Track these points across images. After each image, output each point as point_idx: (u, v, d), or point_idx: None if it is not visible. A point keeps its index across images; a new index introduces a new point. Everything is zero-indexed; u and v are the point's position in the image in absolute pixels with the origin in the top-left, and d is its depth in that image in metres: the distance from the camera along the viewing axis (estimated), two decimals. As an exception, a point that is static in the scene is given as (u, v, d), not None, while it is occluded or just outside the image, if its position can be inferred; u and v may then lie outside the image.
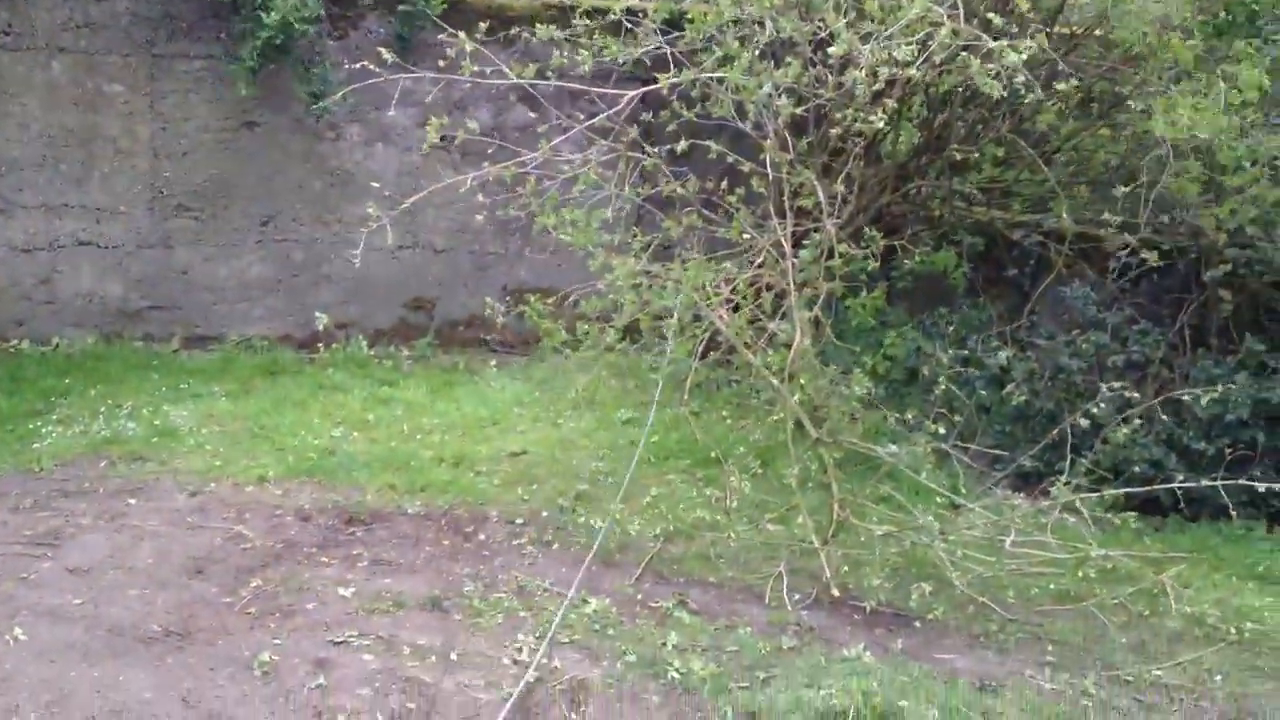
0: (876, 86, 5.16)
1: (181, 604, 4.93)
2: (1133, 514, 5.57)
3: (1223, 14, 6.93)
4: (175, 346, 8.44)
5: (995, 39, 4.95)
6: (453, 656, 4.56)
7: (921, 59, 5.04)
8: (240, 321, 8.61)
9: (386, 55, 5.69)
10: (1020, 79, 4.95)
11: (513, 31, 7.65)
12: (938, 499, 6.04)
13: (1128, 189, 6.57)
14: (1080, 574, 5.58)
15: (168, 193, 8.38)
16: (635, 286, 6.04)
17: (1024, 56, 4.86)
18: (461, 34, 5.66)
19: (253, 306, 8.62)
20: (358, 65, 5.85)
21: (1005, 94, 5.07)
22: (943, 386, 6.23)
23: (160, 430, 6.93)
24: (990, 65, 4.95)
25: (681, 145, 5.83)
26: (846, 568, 5.49)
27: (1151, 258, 6.48)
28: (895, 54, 5.05)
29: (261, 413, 7.30)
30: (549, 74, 5.65)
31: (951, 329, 7.79)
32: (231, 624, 4.79)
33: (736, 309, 5.74)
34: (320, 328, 7.53)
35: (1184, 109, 6.16)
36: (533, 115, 7.90)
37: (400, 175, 8.42)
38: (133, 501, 5.99)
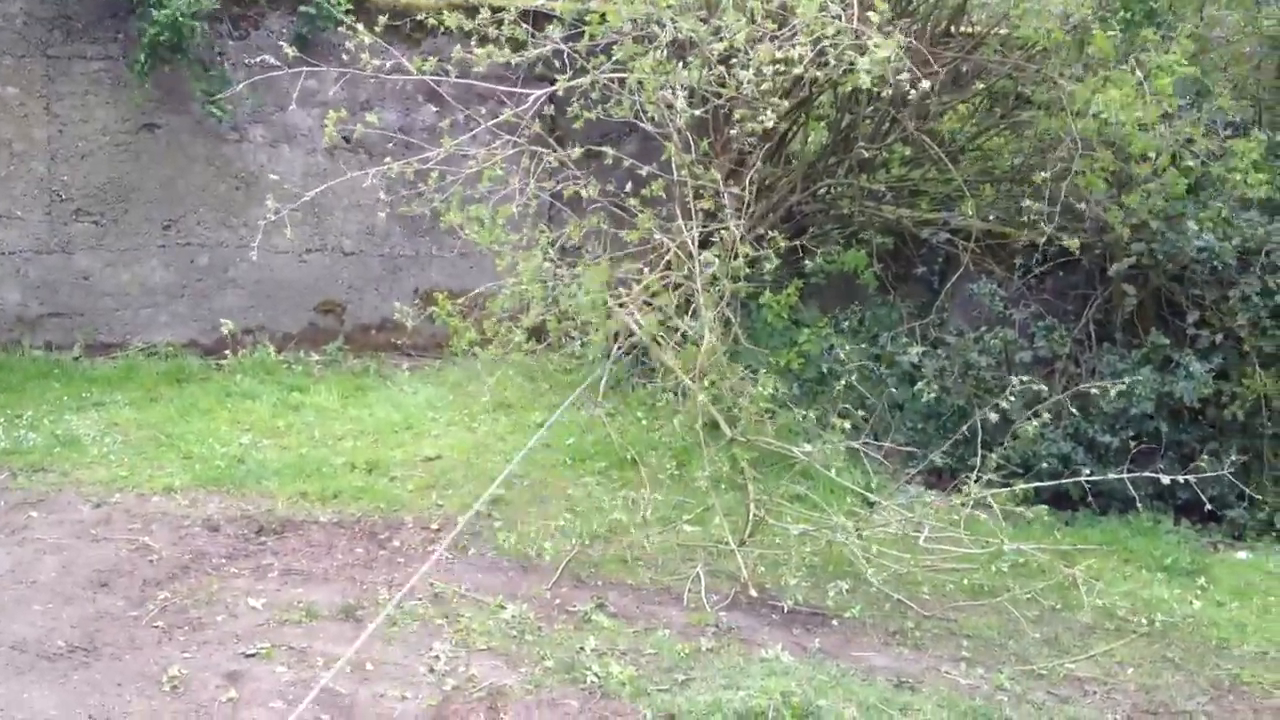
0: (765, 85, 5.18)
1: (86, 618, 4.79)
2: (1043, 508, 5.65)
3: (1122, 11, 7.05)
4: (76, 354, 8.21)
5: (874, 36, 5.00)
6: (368, 666, 4.49)
7: (810, 57, 5.07)
8: (144, 328, 8.41)
9: (289, 50, 5.60)
10: (904, 76, 5.00)
11: (420, 18, 7.50)
12: (852, 497, 6.08)
13: (1032, 186, 6.68)
14: (993, 569, 5.65)
15: (66, 197, 8.16)
16: (543, 285, 6.03)
17: (888, 53, 4.89)
18: (360, 26, 5.60)
19: (157, 312, 8.42)
20: (257, 60, 5.74)
21: (875, 88, 5.12)
22: (847, 384, 6.29)
23: (62, 440, 6.73)
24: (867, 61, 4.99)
25: (576, 151, 5.82)
26: (764, 568, 5.51)
27: (1073, 245, 6.61)
28: (789, 53, 5.09)
29: (167, 421, 7.14)
30: (450, 69, 5.60)
31: (863, 327, 7.86)
32: (139, 638, 4.67)
33: (649, 307, 5.74)
34: (226, 333, 7.45)
35: (1114, 92, 6.27)
36: (439, 114, 7.83)
37: (306, 176, 8.27)
38: (34, 514, 5.81)
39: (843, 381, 6.30)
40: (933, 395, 6.78)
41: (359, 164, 8.13)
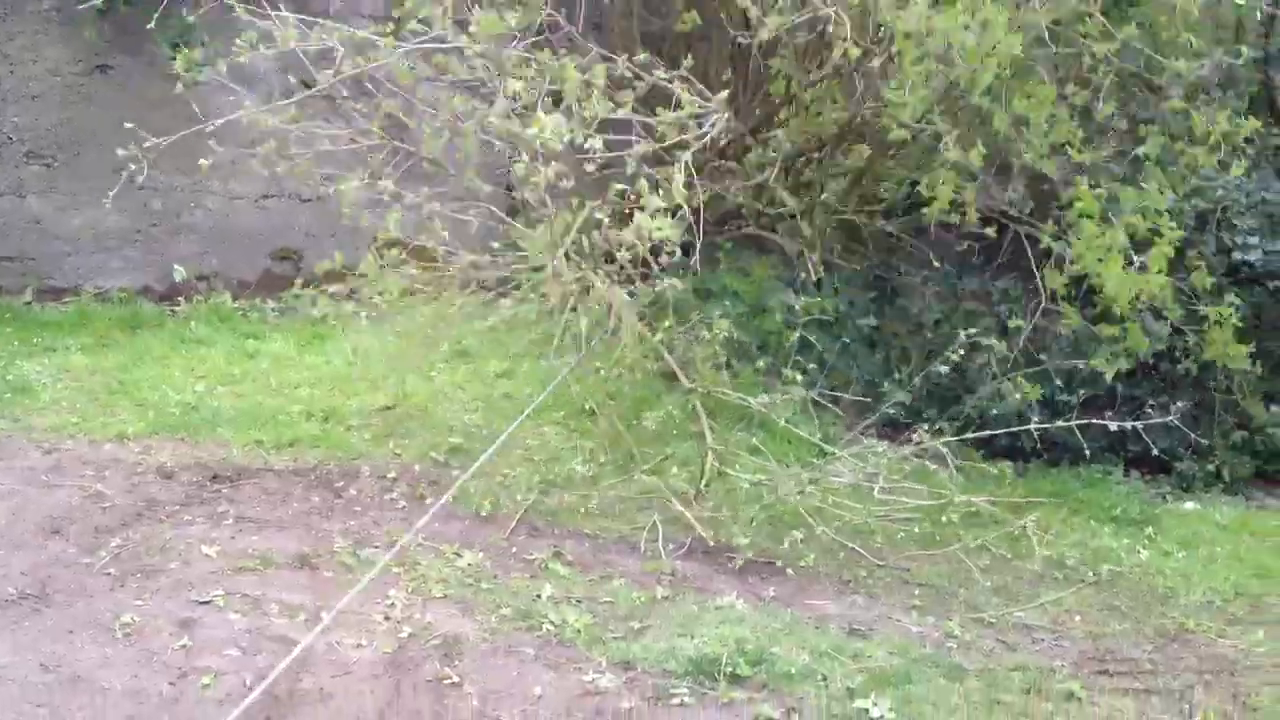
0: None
1: (38, 565, 4.75)
2: (998, 460, 5.72)
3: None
4: (28, 299, 8.11)
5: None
6: (322, 614, 4.48)
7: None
8: (97, 273, 8.31)
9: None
10: None
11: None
12: (807, 448, 6.12)
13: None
14: (944, 519, 5.69)
15: (16, 139, 8.03)
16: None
17: None
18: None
19: (110, 257, 8.32)
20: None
21: None
22: (803, 338, 6.31)
23: (13, 386, 6.66)
24: None
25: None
26: (719, 517, 5.53)
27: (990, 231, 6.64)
28: None
29: (120, 368, 7.07)
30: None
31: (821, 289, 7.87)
32: (91, 585, 4.64)
33: (610, 259, 5.72)
34: (179, 280, 7.38)
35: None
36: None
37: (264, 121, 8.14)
38: (-16, 460, 5.76)
39: (797, 334, 6.32)
40: (889, 349, 6.82)
41: (319, 109, 8.03)
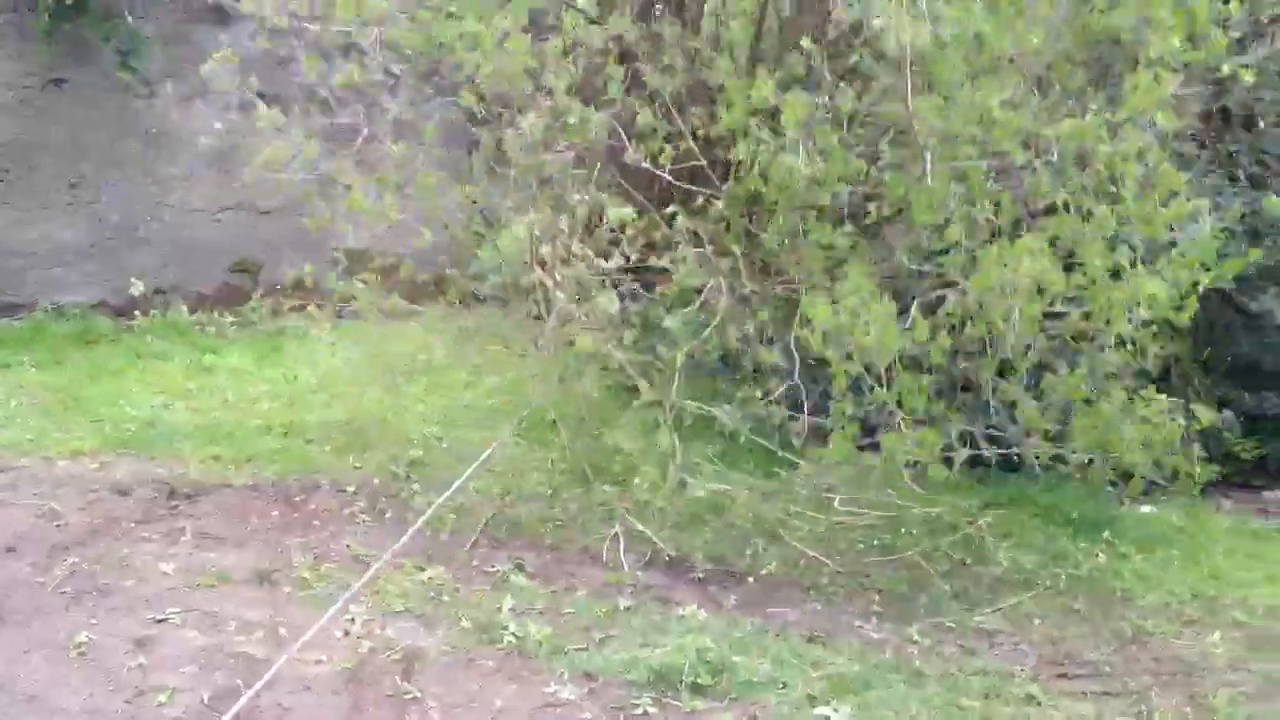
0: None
1: (-9, 585, 4.70)
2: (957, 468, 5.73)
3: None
4: (-21, 316, 8.03)
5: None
6: (282, 631, 4.45)
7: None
8: (52, 288, 8.23)
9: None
10: None
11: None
12: (769, 458, 6.11)
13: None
14: (902, 529, 5.72)
15: (-31, 153, 7.95)
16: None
17: None
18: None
19: (66, 272, 8.24)
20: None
21: None
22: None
23: (-35, 404, 6.60)
24: None
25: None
26: (681, 527, 5.53)
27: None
28: None
29: (75, 383, 7.01)
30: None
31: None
32: (45, 604, 4.58)
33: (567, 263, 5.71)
34: (135, 294, 7.30)
35: None
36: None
37: (220, 134, 8.11)
38: (-64, 480, 5.68)
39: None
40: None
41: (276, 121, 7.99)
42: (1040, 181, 4.81)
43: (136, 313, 8.14)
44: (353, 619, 4.55)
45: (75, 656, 4.21)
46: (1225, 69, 4.95)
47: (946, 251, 5.04)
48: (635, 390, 5.54)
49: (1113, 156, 4.63)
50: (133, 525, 5.33)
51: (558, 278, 5.72)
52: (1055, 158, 4.76)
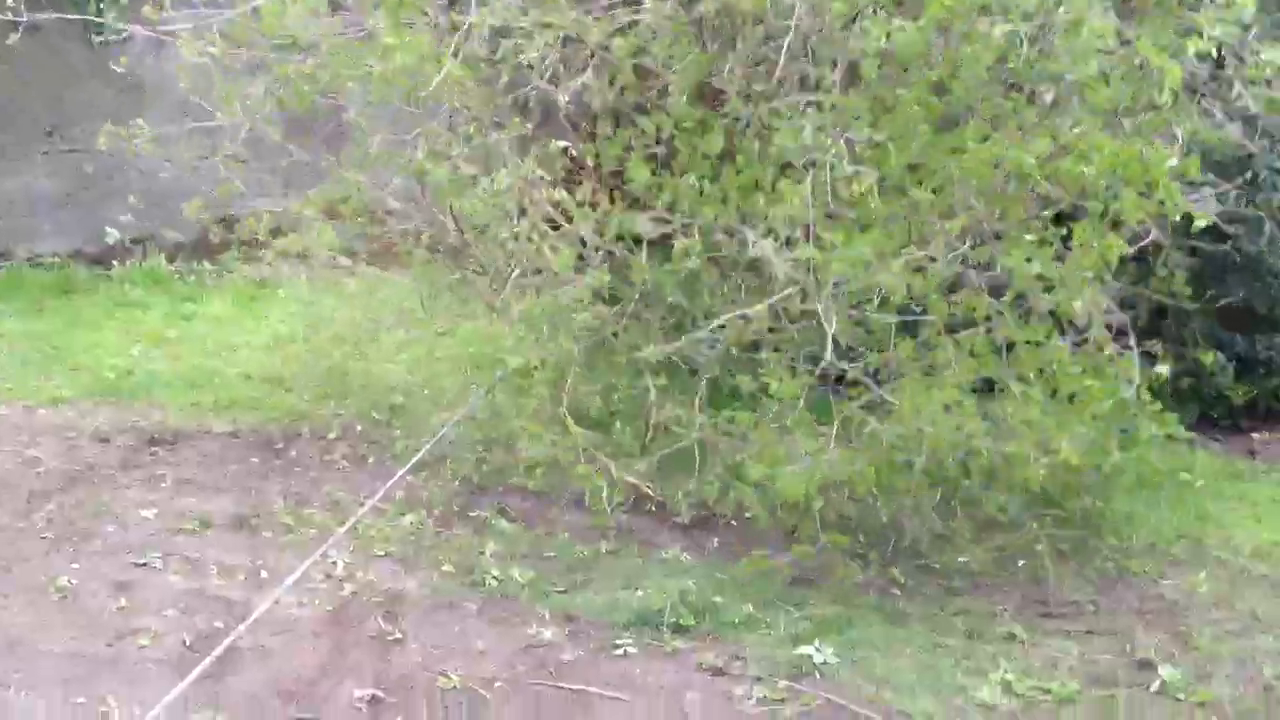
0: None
1: (-30, 533, 4.66)
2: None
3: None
4: (-44, 266, 7.95)
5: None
6: (263, 574, 4.43)
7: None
8: (29, 238, 8.15)
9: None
10: None
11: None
12: (755, 400, 6.08)
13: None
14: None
15: (-59, 103, 7.84)
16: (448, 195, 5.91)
17: None
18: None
19: (42, 222, 8.16)
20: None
21: None
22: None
23: (-57, 353, 6.54)
24: None
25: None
26: (664, 472, 5.49)
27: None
28: None
29: (54, 333, 6.96)
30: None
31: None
32: (26, 549, 4.55)
33: (556, 228, 5.65)
34: (111, 243, 7.25)
35: None
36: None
37: (194, 80, 7.99)
38: (-86, 428, 5.63)
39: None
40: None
41: (249, 67, 7.89)
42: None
43: (115, 262, 8.08)
44: (335, 563, 4.53)
45: (57, 600, 4.18)
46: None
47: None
48: (615, 337, 5.50)
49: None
50: (113, 472, 5.30)
51: (537, 226, 5.67)
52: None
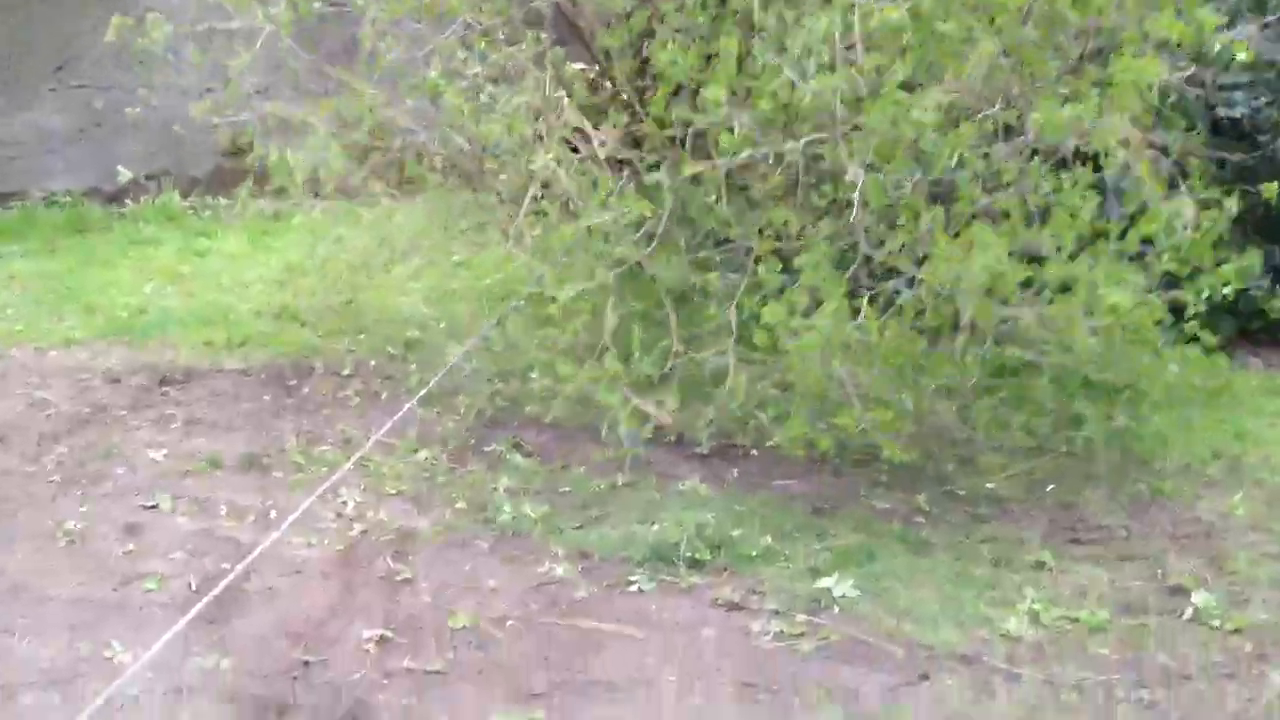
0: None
1: (-22, 476, 4.61)
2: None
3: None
4: (-31, 206, 7.88)
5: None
6: (272, 515, 4.35)
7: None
8: (41, 176, 8.06)
9: None
10: None
11: None
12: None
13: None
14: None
15: (-54, 39, 7.72)
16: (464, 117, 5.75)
17: None
18: None
19: (54, 159, 8.06)
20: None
21: None
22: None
23: (-45, 296, 6.47)
24: None
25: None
26: (684, 400, 5.36)
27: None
28: None
29: (67, 272, 6.89)
30: None
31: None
32: (35, 493, 4.51)
33: (575, 150, 5.49)
34: (123, 180, 7.14)
35: None
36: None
37: (203, 9, 7.83)
38: (-75, 372, 5.58)
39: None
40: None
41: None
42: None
43: (128, 199, 7.97)
44: (345, 502, 4.45)
45: (64, 545, 4.14)
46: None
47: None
48: (638, 265, 5.34)
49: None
50: (123, 413, 5.23)
51: (556, 153, 5.50)
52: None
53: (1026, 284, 4.43)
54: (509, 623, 3.70)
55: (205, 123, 8.14)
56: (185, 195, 8.09)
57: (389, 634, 3.59)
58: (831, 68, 4.18)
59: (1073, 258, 4.34)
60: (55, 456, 4.78)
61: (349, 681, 3.36)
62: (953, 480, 4.82)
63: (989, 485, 4.79)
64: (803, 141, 4.42)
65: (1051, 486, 4.82)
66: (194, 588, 3.85)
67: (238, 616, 3.68)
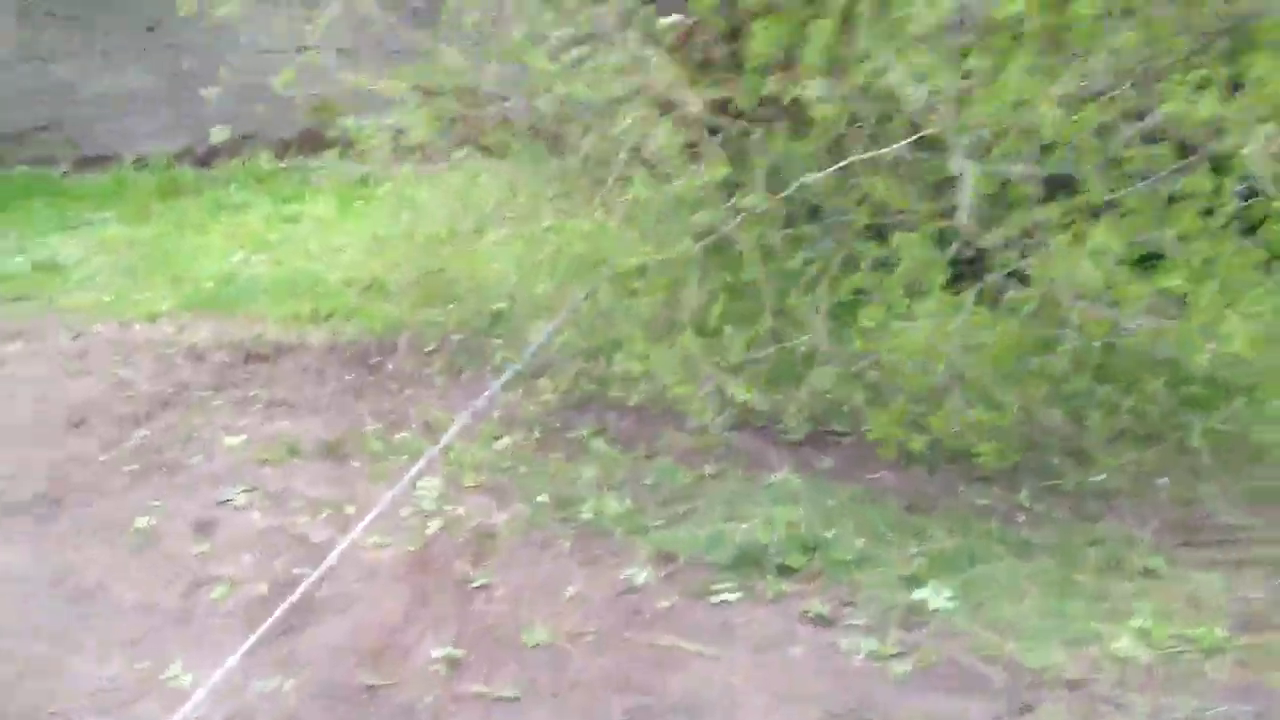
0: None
1: (56, 464, 4.57)
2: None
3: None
4: (64, 169, 7.86)
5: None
6: (348, 510, 4.24)
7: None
8: (132, 139, 8.03)
9: None
10: None
11: None
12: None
13: None
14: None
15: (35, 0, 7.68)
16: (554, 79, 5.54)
17: None
18: None
19: (142, 121, 8.03)
20: None
21: None
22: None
23: (46, 264, 6.47)
24: None
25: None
26: (776, 383, 5.14)
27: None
28: None
29: (157, 238, 6.86)
30: None
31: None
32: (109, 484, 4.45)
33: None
34: (216, 142, 7.05)
35: None
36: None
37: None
38: (11, 347, 5.57)
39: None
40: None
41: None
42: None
43: (217, 162, 7.90)
44: (422, 495, 4.32)
45: (134, 543, 4.08)
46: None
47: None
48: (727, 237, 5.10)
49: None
50: (205, 393, 5.17)
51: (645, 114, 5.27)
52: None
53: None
54: (586, 638, 3.54)
55: (305, 81, 8.05)
56: (278, 156, 8.01)
57: (460, 653, 3.45)
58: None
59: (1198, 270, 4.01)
60: (134, 443, 4.73)
61: (417, 707, 3.23)
62: (1056, 473, 4.52)
63: (1096, 478, 4.49)
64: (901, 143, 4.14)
65: (1163, 480, 4.49)
66: (263, 596, 3.74)
67: (306, 628, 3.57)
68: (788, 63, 4.83)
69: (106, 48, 7.74)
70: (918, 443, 4.24)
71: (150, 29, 7.80)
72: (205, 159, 7.92)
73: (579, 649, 3.49)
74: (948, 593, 3.71)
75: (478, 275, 6.23)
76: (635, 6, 5.43)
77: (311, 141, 8.14)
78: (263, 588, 3.78)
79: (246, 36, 7.95)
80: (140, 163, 7.85)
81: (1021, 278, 4.38)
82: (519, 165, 6.25)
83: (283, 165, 7.93)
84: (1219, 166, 4.16)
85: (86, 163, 7.84)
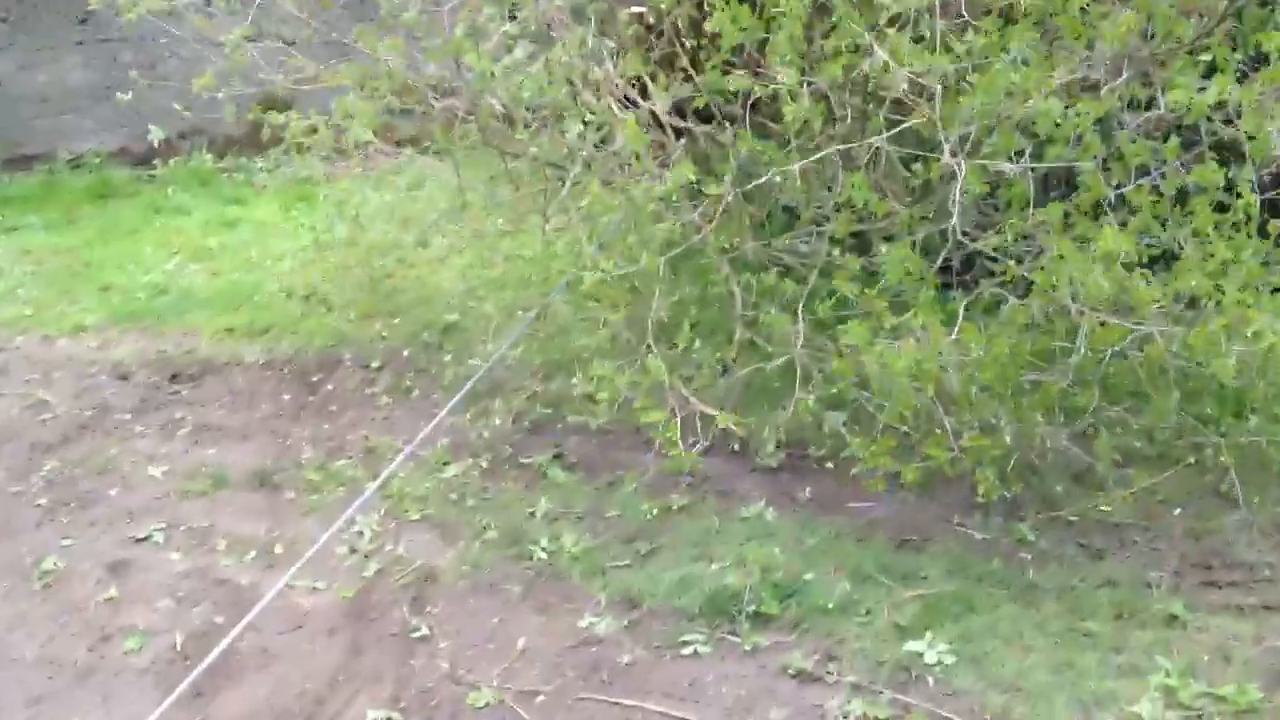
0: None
1: (-40, 498, 4.14)
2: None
3: None
4: (-6, 170, 7.41)
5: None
6: (277, 550, 3.82)
7: None
8: (68, 136, 7.57)
9: None
10: None
11: None
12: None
13: None
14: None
15: (-39, -8, 7.22)
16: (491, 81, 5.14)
17: None
18: None
19: (80, 118, 7.56)
20: None
21: None
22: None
23: (-34, 274, 6.01)
24: None
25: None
26: (748, 402, 4.74)
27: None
28: None
29: (86, 245, 6.40)
30: None
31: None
32: (16, 519, 4.04)
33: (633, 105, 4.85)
34: (156, 141, 6.58)
35: None
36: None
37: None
38: (-78, 368, 5.12)
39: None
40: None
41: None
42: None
43: (157, 161, 7.44)
44: (361, 532, 3.91)
45: (40, 588, 3.66)
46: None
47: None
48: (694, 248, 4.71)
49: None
50: (127, 417, 4.74)
51: (610, 106, 4.86)
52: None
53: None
54: (539, 698, 3.14)
55: (242, 76, 7.60)
56: (221, 155, 7.55)
57: (398, 717, 3.05)
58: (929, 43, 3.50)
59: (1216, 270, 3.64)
60: (46, 473, 4.30)
61: (343, 788, 2.82)
62: (1061, 501, 4.14)
63: (1103, 508, 4.11)
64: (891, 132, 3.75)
65: (1178, 510, 4.12)
66: (178, 648, 3.33)
67: (225, 688, 3.16)
68: (758, 56, 4.45)
69: (39, 42, 7.28)
70: (912, 472, 3.84)
71: (83, 21, 7.35)
72: (144, 158, 7.47)
73: (531, 712, 3.09)
74: (944, 645, 3.32)
75: (426, 285, 5.82)
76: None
77: (256, 140, 7.69)
78: (178, 639, 3.36)
79: (185, 27, 7.51)
80: (75, 162, 7.38)
81: (1019, 285, 4.02)
82: (466, 168, 5.84)
83: (225, 165, 7.48)
84: (1224, 159, 3.82)
85: (19, 163, 7.37)
